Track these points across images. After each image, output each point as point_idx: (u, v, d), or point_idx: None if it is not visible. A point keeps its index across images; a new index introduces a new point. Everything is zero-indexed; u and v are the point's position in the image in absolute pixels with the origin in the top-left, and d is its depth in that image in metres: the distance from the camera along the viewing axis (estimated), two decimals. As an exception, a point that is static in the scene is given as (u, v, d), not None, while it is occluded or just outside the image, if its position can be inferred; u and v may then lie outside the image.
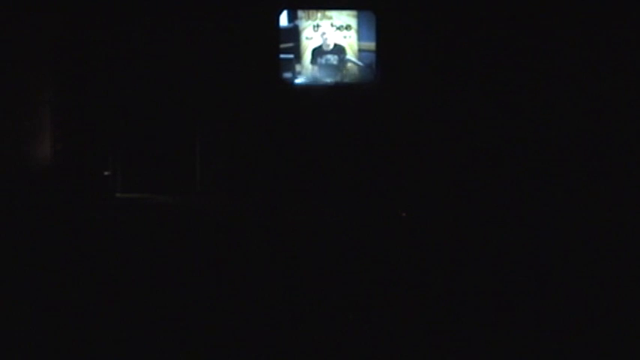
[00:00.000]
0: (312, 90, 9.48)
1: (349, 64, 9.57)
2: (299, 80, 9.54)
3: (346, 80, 9.55)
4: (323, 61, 9.54)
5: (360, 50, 9.55)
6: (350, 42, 9.55)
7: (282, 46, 9.48)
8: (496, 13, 9.16)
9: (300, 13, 9.54)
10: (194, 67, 9.35)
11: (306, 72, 9.55)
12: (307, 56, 9.53)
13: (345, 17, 9.54)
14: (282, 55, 9.49)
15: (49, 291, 4.81)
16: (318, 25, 9.52)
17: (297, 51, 9.52)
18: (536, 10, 9.08)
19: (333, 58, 9.54)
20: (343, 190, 9.12)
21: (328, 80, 9.52)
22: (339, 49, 9.54)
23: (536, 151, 9.06)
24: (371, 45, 9.54)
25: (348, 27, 9.53)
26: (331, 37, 9.51)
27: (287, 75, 9.52)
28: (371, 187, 9.12)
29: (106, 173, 9.27)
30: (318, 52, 9.53)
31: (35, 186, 8.33)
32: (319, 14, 9.53)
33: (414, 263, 5.68)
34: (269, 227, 7.27)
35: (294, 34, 9.53)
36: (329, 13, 9.53)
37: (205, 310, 4.45)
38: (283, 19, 9.49)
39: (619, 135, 8.86)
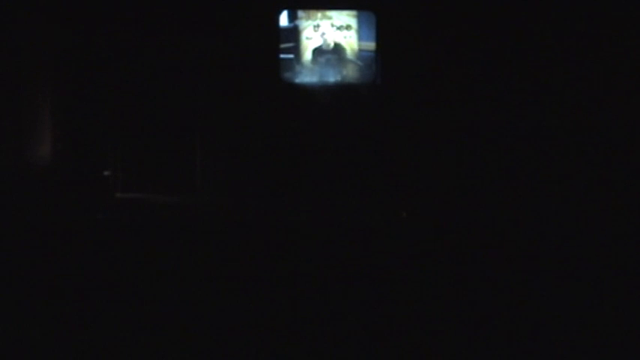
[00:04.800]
0: (312, 90, 9.48)
1: (349, 64, 9.58)
2: (299, 80, 9.54)
3: (346, 80, 9.56)
4: (323, 61, 9.55)
5: (360, 50, 9.56)
6: (350, 42, 9.55)
7: (283, 46, 9.49)
8: (496, 13, 9.16)
9: (300, 13, 9.55)
10: (194, 67, 9.35)
11: (306, 72, 9.56)
12: (307, 56, 9.54)
13: (345, 17, 9.55)
14: (282, 55, 9.50)
15: (48, 291, 4.81)
16: (318, 25, 9.52)
17: (297, 51, 9.53)
18: (537, 9, 9.08)
19: (333, 58, 9.55)
20: (343, 189, 9.12)
21: (328, 80, 9.53)
22: (339, 49, 9.55)
23: (537, 150, 9.06)
24: (371, 45, 9.54)
25: (348, 27, 9.53)
26: (331, 37, 9.52)
27: (287, 75, 9.53)
28: (371, 187, 9.12)
29: (105, 173, 9.26)
30: (318, 52, 9.54)
31: (35, 186, 8.32)
32: (319, 14, 9.54)
33: (415, 263, 5.68)
34: (269, 227, 7.27)
35: (294, 34, 9.53)
36: (329, 13, 9.53)
37: (205, 310, 4.45)
38: (283, 19, 9.50)
39: (619, 135, 8.86)
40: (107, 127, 9.40)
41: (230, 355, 3.79)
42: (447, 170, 9.15)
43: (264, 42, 9.37)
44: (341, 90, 9.48)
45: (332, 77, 9.55)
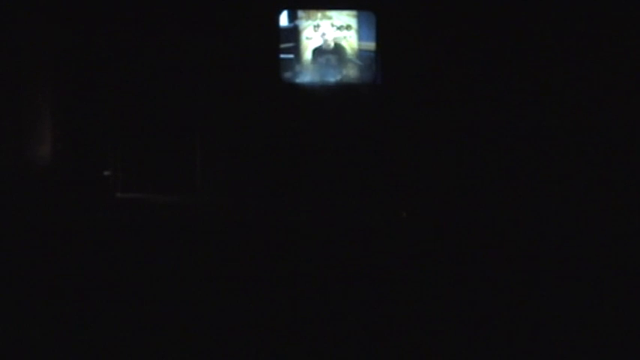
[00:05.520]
0: (312, 90, 9.48)
1: (349, 64, 9.58)
2: (299, 80, 9.55)
3: (346, 80, 9.56)
4: (323, 61, 9.55)
5: (360, 50, 9.56)
6: (350, 42, 9.56)
7: (283, 46, 9.49)
8: (496, 13, 9.16)
9: (300, 13, 9.55)
10: (194, 67, 9.35)
11: (306, 72, 9.56)
12: (307, 56, 9.54)
13: (345, 17, 9.55)
14: (282, 55, 9.50)
15: (48, 291, 4.81)
16: (318, 25, 9.52)
17: (297, 51, 9.53)
18: (537, 10, 9.08)
19: (333, 58, 9.55)
20: (343, 189, 9.12)
21: (328, 80, 9.53)
22: (339, 49, 9.55)
23: (537, 150, 9.06)
24: (371, 45, 9.55)
25: (348, 27, 9.54)
26: (331, 37, 9.52)
27: (287, 75, 9.53)
28: (371, 187, 9.12)
29: (105, 173, 9.27)
30: (318, 52, 9.54)
31: (35, 186, 8.32)
32: (319, 14, 9.54)
33: (415, 263, 5.68)
34: (269, 227, 7.27)
35: (294, 34, 9.54)
36: (329, 13, 9.54)
37: (205, 310, 4.45)
38: (283, 19, 9.50)
39: (619, 135, 8.87)
40: (107, 127, 9.40)
41: (230, 355, 3.79)
42: (447, 170, 9.15)
43: (264, 42, 9.37)
44: (341, 90, 9.48)
45: (332, 77, 9.55)
